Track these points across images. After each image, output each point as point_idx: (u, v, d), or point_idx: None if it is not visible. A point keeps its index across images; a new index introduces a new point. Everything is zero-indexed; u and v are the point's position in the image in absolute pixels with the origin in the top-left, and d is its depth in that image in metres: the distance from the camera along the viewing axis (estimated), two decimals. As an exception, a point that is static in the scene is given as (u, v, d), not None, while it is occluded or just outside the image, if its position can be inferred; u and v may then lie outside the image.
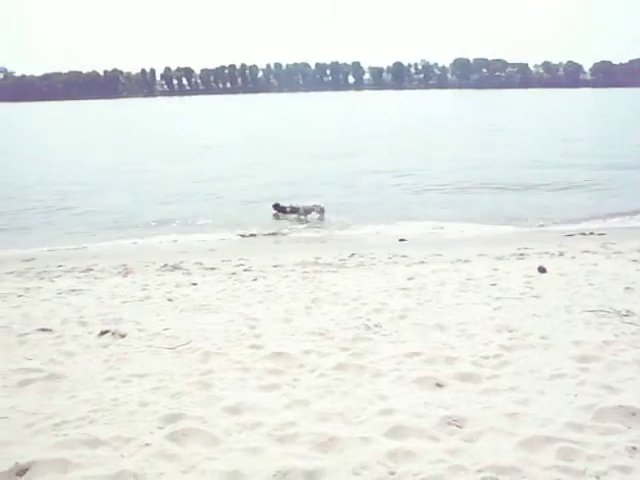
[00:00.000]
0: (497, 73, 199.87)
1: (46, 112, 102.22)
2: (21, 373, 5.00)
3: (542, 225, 14.71)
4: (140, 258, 11.52)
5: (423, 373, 4.72)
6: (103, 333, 6.07)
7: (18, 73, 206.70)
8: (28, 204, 18.60)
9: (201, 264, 10.41)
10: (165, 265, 10.43)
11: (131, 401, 4.31)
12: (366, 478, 3.20)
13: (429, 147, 32.85)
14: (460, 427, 3.76)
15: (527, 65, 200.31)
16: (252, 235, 14.25)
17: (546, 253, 10.68)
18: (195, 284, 8.63)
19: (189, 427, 3.82)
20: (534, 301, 7.00)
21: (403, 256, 10.74)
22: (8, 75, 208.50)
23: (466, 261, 10.03)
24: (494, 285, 7.94)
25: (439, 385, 4.50)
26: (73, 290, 8.41)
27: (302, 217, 16.14)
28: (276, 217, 16.34)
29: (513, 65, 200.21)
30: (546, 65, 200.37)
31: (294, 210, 16.34)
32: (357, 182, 21.53)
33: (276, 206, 16.49)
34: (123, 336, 6.00)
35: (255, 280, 8.77)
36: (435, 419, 3.87)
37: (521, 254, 10.69)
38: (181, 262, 10.60)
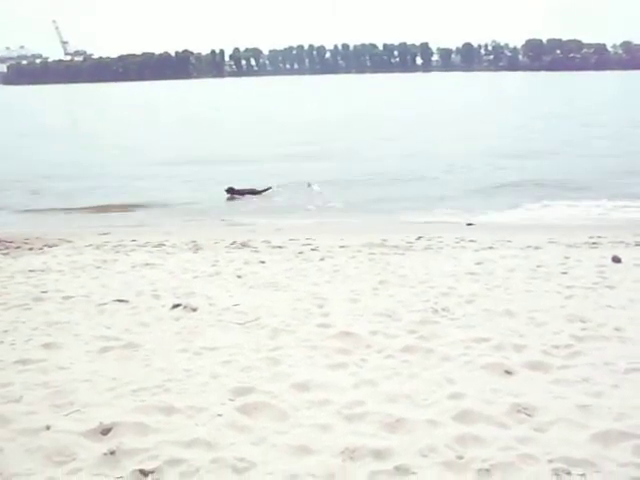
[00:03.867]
0: (571, 54, 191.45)
1: (133, 92, 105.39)
2: (101, 340, 5.26)
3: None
4: (209, 235, 11.81)
5: (492, 359, 4.67)
6: (176, 306, 6.29)
7: (95, 55, 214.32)
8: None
9: (269, 242, 10.56)
10: (234, 242, 10.65)
11: (203, 372, 4.46)
12: (433, 460, 3.22)
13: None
14: (530, 415, 3.71)
15: (605, 46, 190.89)
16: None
17: (621, 242, 10.25)
18: (263, 262, 8.79)
19: (259, 401, 3.93)
20: (608, 292, 6.76)
21: (471, 241, 10.56)
22: (87, 57, 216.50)
23: (536, 248, 9.76)
24: (565, 273, 7.71)
25: (508, 372, 4.44)
26: (147, 264, 8.72)
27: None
28: (230, 200, 16.92)
29: (589, 46, 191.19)
30: (625, 45, 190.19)
31: (252, 192, 17.01)
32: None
33: (230, 190, 17.02)
34: (194, 310, 6.20)
35: (322, 260, 8.84)
36: (504, 406, 3.83)
37: (594, 242, 10.31)
38: (249, 240, 10.79)
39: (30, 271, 8.39)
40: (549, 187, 17.40)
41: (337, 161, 22.75)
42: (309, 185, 18.50)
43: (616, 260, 8.32)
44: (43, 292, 7.10)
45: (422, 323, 5.63)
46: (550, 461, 3.17)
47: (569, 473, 3.06)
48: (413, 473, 3.08)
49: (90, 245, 10.84)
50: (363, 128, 34.27)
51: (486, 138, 28.32)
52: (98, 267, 8.62)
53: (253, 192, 17.19)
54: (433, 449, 3.31)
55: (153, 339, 5.30)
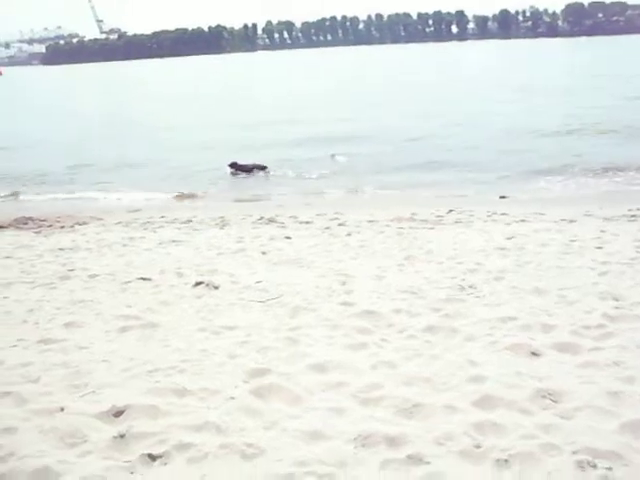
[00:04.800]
0: (615, 17, 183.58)
1: (166, 68, 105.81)
2: (122, 320, 5.25)
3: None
4: (237, 211, 11.76)
5: (517, 340, 4.48)
6: (198, 284, 6.25)
7: (130, 33, 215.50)
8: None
9: (296, 218, 10.44)
10: (261, 218, 10.56)
11: (219, 353, 4.40)
12: (449, 449, 3.08)
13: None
14: (555, 402, 3.53)
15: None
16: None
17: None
18: (289, 237, 8.68)
19: (274, 383, 3.85)
20: (646, 267, 6.45)
21: (503, 214, 10.24)
22: (122, 35, 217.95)
23: (571, 221, 9.41)
24: (600, 248, 7.39)
25: (534, 354, 4.25)
26: (173, 241, 8.70)
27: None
28: (233, 175, 16.48)
29: (635, 7, 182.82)
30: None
31: (258, 167, 16.49)
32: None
33: (233, 165, 16.51)
34: (216, 287, 6.15)
35: (349, 235, 8.69)
36: (528, 391, 3.66)
37: (633, 215, 9.87)
38: (277, 215, 10.69)
39: (59, 249, 8.47)
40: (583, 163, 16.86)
41: (363, 134, 22.34)
42: (333, 156, 18.24)
43: (656, 233, 7.96)
44: (70, 270, 7.15)
45: (447, 301, 5.46)
46: (574, 452, 3.00)
47: (594, 466, 2.88)
48: (427, 463, 2.96)
49: (119, 222, 10.89)
50: (390, 99, 33.60)
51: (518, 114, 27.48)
52: (125, 245, 8.64)
53: (257, 167, 16.68)
54: (450, 437, 3.17)
55: (173, 318, 5.27)
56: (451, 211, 10.65)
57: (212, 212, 11.57)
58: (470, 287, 5.86)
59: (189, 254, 7.82)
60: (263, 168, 16.71)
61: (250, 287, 6.13)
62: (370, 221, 9.81)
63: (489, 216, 10.11)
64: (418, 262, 6.94)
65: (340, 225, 9.53)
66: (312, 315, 5.22)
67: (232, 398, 3.67)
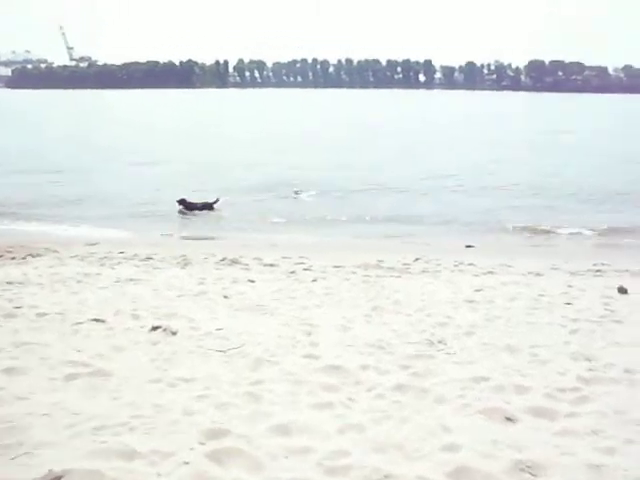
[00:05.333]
0: (573, 76, 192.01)
1: (134, 100, 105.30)
2: (69, 366, 4.84)
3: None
4: (199, 249, 11.44)
5: (491, 403, 4.26)
6: (155, 329, 5.88)
7: (100, 62, 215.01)
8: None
9: (260, 260, 10.19)
10: (224, 259, 10.27)
11: (174, 408, 4.05)
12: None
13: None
14: (534, 475, 3.30)
15: (606, 69, 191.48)
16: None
17: (626, 271, 9.89)
18: (253, 281, 8.40)
19: (232, 446, 3.52)
20: (615, 327, 6.35)
21: (470, 264, 10.20)
22: (92, 63, 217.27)
23: (538, 274, 9.40)
24: (569, 304, 7.32)
25: (509, 419, 4.03)
26: (131, 280, 8.32)
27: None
28: (181, 213, 16.17)
29: (591, 68, 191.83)
30: (627, 69, 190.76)
31: (208, 206, 16.22)
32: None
33: (182, 202, 16.14)
34: (174, 333, 5.79)
35: (315, 281, 8.46)
36: (505, 462, 3.42)
37: (598, 270, 9.95)
38: (240, 256, 10.42)
39: (7, 283, 7.99)
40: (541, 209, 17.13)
41: (328, 171, 22.37)
42: (296, 193, 18.01)
43: (622, 291, 7.95)
44: (17, 307, 6.69)
45: (417, 357, 5.23)
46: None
47: None
48: None
49: (75, 256, 10.46)
50: (359, 140, 33.95)
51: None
52: (79, 281, 8.22)
53: (206, 206, 16.31)
54: (424, 517, 2.89)
55: (126, 366, 4.89)
56: (418, 259, 10.56)
57: (174, 250, 11.23)
58: (440, 342, 5.65)
59: (147, 294, 7.45)
60: (212, 205, 16.27)
61: (210, 334, 5.80)
62: (336, 267, 9.61)
63: (456, 266, 10.04)
64: (386, 313, 6.73)
65: (305, 270, 9.30)
66: (275, 368, 4.92)
67: (186, 463, 3.32)
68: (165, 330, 5.85)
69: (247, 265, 9.66)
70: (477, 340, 5.77)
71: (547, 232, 14.71)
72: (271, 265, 9.68)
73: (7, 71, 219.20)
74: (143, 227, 14.43)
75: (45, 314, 6.41)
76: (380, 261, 10.23)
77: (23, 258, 10.30)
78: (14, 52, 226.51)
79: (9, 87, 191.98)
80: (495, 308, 7.02)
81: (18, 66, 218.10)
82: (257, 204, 17.16)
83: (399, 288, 8.05)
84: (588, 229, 14.63)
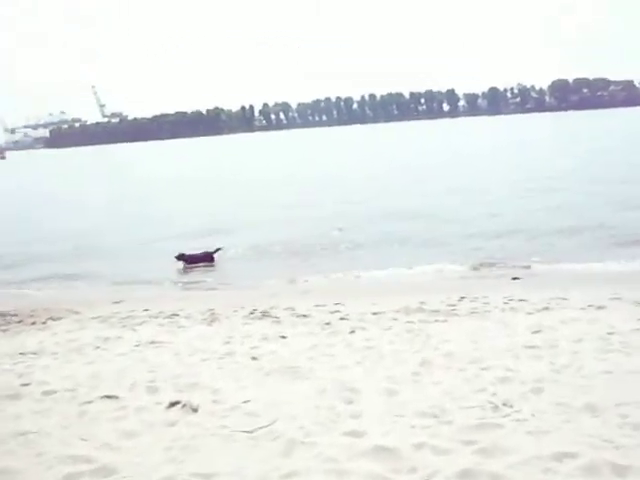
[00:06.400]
0: (599, 93, 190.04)
1: (165, 150, 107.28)
2: (69, 463, 4.14)
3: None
4: (230, 301, 10.75)
5: (586, 493, 3.38)
6: (173, 405, 5.16)
7: (131, 116, 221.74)
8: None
9: (293, 310, 9.41)
10: (254, 311, 9.52)
11: (189, 521, 3.27)
12: None
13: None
14: None
15: (632, 82, 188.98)
16: None
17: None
18: (284, 337, 7.62)
19: None
20: None
21: (521, 300, 9.23)
22: (123, 118, 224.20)
23: (600, 307, 8.39)
24: (646, 344, 6.35)
25: (614, 517, 3.14)
26: (152, 342, 7.63)
27: None
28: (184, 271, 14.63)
29: (617, 83, 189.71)
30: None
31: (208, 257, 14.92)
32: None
33: (180, 256, 14.59)
34: (195, 410, 5.05)
35: (353, 332, 7.63)
36: None
37: (668, 298, 8.89)
38: (271, 307, 9.66)
39: (21, 354, 7.39)
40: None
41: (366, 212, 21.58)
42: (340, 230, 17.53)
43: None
44: (24, 385, 6.04)
45: (480, 428, 4.37)
46: None
47: None
48: None
49: (97, 317, 9.83)
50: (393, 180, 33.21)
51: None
52: (97, 347, 7.57)
53: (207, 257, 15.01)
54: None
55: (134, 460, 4.15)
56: (463, 298, 9.64)
57: (201, 304, 10.55)
58: (505, 405, 4.78)
59: (169, 360, 6.74)
60: (212, 256, 15.03)
61: (236, 408, 5.04)
62: (375, 313, 8.77)
63: (506, 303, 9.08)
64: (436, 369, 5.86)
65: (342, 319, 8.48)
66: (311, 453, 4.12)
67: None
68: (184, 406, 5.11)
69: (278, 318, 8.89)
70: (549, 399, 4.87)
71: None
72: (304, 316, 8.89)
73: (45, 132, 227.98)
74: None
75: (53, 392, 5.75)
76: (422, 303, 9.34)
77: (43, 322, 9.73)
78: (51, 114, 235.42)
79: (48, 147, 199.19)
80: (561, 354, 6.09)
81: (55, 127, 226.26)
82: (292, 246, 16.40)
83: (447, 336, 7.17)
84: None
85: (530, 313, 8.30)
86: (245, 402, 5.16)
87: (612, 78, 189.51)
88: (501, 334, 7.11)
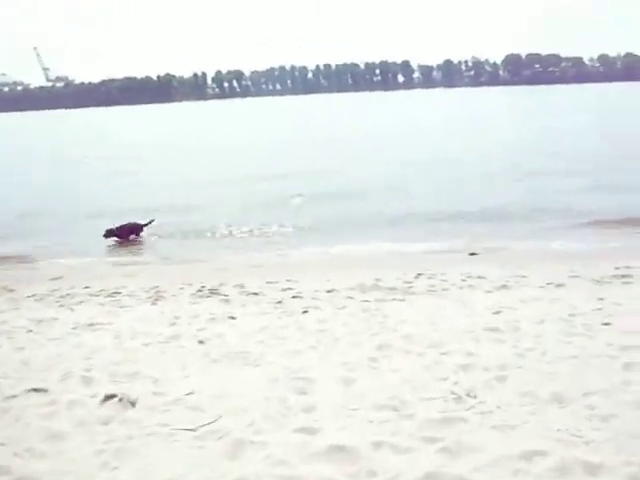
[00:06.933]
0: (551, 68, 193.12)
1: (123, 116, 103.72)
2: (-17, 475, 3.62)
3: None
4: (176, 277, 10.20)
5: (559, 498, 3.09)
6: (108, 398, 4.67)
7: (77, 81, 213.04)
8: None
9: (242, 287, 8.96)
10: (202, 288, 9.03)
11: None
12: None
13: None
14: None
15: (582, 59, 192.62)
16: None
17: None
18: (234, 317, 7.19)
19: None
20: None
21: (479, 277, 9.03)
22: (69, 83, 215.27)
23: (559, 285, 8.25)
24: (608, 325, 6.17)
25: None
26: (90, 324, 7.07)
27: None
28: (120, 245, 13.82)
29: (567, 59, 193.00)
30: (603, 58, 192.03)
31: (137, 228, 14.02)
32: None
33: (109, 232, 13.65)
34: (133, 404, 4.59)
35: (306, 312, 7.25)
36: None
37: (624, 275, 8.80)
38: (220, 284, 9.18)
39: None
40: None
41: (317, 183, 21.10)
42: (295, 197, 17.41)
43: None
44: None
45: (444, 422, 4.05)
46: None
47: None
48: None
49: (33, 295, 9.16)
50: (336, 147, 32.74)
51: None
52: (29, 331, 6.96)
53: (137, 227, 14.12)
54: None
55: (61, 467, 3.67)
56: (420, 275, 9.37)
57: (146, 280, 9.97)
58: (468, 395, 4.48)
59: (107, 345, 6.21)
60: (141, 227, 14.09)
61: (179, 401, 4.59)
62: (329, 291, 8.41)
63: (464, 281, 8.86)
64: (394, 353, 5.53)
65: (294, 297, 8.08)
66: (261, 454, 3.72)
67: None
68: (121, 400, 4.63)
69: (227, 296, 8.42)
70: (513, 388, 4.60)
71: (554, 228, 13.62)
72: (255, 294, 8.45)
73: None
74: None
75: (-27, 384, 5.17)
76: (378, 280, 9.03)
77: (-27, 302, 9.02)
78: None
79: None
80: (523, 337, 5.85)
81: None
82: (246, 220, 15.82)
83: (405, 316, 6.86)
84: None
85: (489, 291, 8.08)
86: (189, 394, 4.72)
87: (563, 55, 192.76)
88: (460, 314, 6.85)
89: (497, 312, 6.85)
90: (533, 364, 5.10)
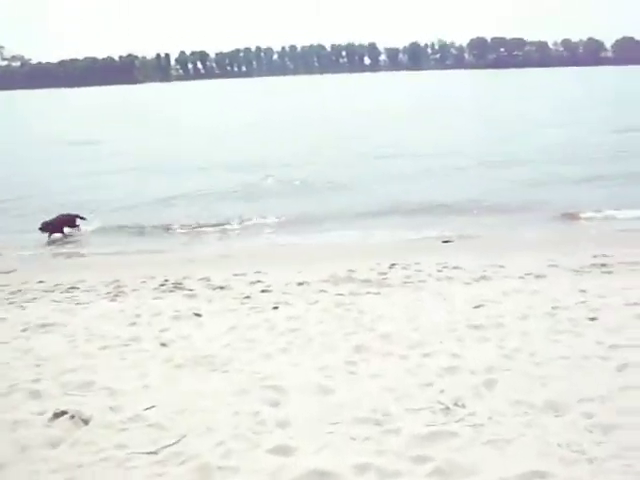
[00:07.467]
0: (515, 52, 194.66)
1: (83, 98, 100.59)
2: None
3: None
4: (138, 269, 9.65)
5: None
6: (58, 415, 4.16)
7: (34, 60, 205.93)
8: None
9: (208, 280, 8.48)
10: (165, 282, 8.53)
11: None
12: None
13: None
14: None
15: (546, 43, 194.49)
16: None
17: (635, 263, 8.59)
18: (199, 315, 6.71)
19: None
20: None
21: (456, 267, 8.72)
22: (25, 62, 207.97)
23: (539, 276, 7.99)
24: (594, 320, 5.90)
25: None
26: (43, 325, 6.50)
27: None
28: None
29: (531, 44, 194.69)
30: (566, 43, 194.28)
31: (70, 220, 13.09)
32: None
33: (45, 226, 12.64)
34: (86, 422, 4.09)
35: (276, 309, 6.82)
36: None
37: (603, 264, 8.61)
38: (184, 278, 8.68)
39: None
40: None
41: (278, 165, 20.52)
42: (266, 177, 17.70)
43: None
44: None
45: (432, 438, 3.68)
46: None
47: None
48: None
49: (-19, 293, 8.52)
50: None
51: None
52: (-26, 334, 6.37)
53: (69, 220, 13.17)
54: None
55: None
56: (394, 265, 9.03)
57: (106, 273, 9.40)
58: (456, 405, 4.12)
59: (60, 350, 5.66)
60: (74, 219, 13.14)
61: (138, 418, 4.11)
62: (300, 283, 8.00)
63: (440, 271, 8.55)
64: (373, 356, 5.14)
65: (264, 291, 7.65)
66: (230, 482, 3.30)
67: None
68: (73, 417, 4.13)
69: (192, 290, 7.93)
70: (504, 395, 4.25)
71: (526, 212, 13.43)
72: (221, 288, 7.98)
73: None
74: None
75: None
76: (351, 271, 8.65)
77: None
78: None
79: None
80: (509, 335, 5.52)
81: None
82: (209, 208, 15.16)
83: (382, 311, 6.48)
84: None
85: (468, 283, 7.78)
86: (149, 408, 4.24)
87: (528, 39, 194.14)
88: (440, 309, 6.50)
89: (478, 306, 6.53)
90: (522, 366, 4.76)
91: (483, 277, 8.04)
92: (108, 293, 8.14)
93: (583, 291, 7.00)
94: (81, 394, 4.55)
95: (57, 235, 12.90)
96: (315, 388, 4.49)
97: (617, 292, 6.88)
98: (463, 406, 4.09)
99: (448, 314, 6.29)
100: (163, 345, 5.71)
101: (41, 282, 9.03)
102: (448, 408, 4.06)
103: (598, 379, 4.43)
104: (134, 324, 6.48)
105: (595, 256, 9.09)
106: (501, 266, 8.62)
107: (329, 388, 4.49)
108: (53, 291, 8.45)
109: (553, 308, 6.30)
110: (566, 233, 11.87)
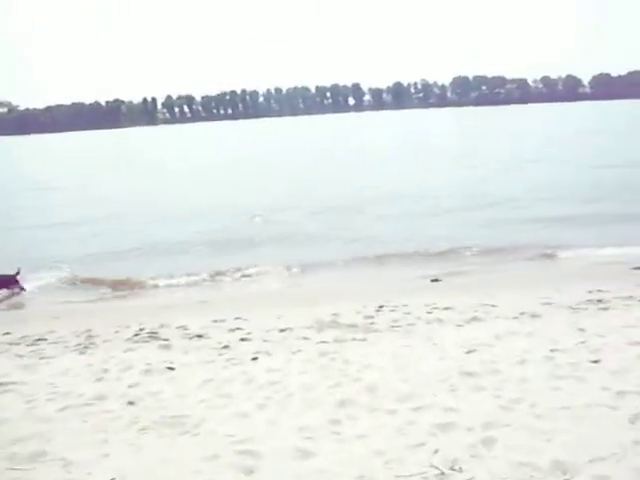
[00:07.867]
0: (496, 90, 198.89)
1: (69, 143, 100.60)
2: None
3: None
4: (114, 318, 9.14)
5: None
6: (1, 495, 3.66)
7: (22, 107, 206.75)
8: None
9: (186, 329, 7.98)
10: (140, 331, 8.02)
11: None
12: None
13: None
14: None
15: (526, 81, 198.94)
16: None
17: (630, 298, 8.23)
18: (172, 368, 6.21)
19: None
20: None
21: (446, 308, 8.30)
22: (12, 109, 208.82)
23: (534, 316, 7.57)
24: (596, 363, 5.50)
25: None
26: (1, 384, 5.98)
27: None
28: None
29: (512, 81, 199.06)
30: (545, 80, 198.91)
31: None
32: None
33: None
34: (32, 502, 3.58)
35: (255, 359, 6.34)
36: None
37: (599, 300, 8.23)
38: (161, 326, 8.18)
39: None
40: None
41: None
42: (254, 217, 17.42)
43: None
44: None
45: (426, 512, 3.21)
46: None
47: None
48: None
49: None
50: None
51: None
52: None
53: (10, 280, 11.79)
54: None
55: None
56: (381, 307, 8.59)
57: (79, 322, 8.87)
58: (453, 469, 3.66)
59: (14, 416, 5.12)
60: (16, 278, 11.76)
61: (92, 497, 3.61)
62: (282, 330, 7.53)
63: (430, 313, 8.11)
64: (359, 412, 4.68)
65: (243, 340, 7.17)
66: None
67: None
68: (18, 496, 3.62)
69: (168, 340, 7.43)
70: (505, 455, 3.81)
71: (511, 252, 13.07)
72: (199, 337, 7.48)
73: None
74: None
75: None
76: (335, 315, 8.19)
77: None
78: None
79: None
80: (505, 383, 5.09)
81: None
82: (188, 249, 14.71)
83: (368, 360, 6.02)
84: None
85: (459, 325, 7.36)
86: (107, 484, 3.74)
87: (508, 77, 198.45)
88: (431, 356, 6.06)
89: (471, 351, 6.10)
90: (522, 420, 4.32)
91: (474, 318, 7.61)
92: (77, 345, 7.61)
93: (582, 330, 6.61)
94: (30, 467, 4.04)
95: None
96: (294, 452, 4.02)
97: (617, 330, 6.49)
98: (460, 470, 3.64)
99: (439, 361, 5.85)
100: (130, 403, 5.21)
101: (7, 334, 8.49)
102: (443, 473, 3.60)
103: (608, 433, 4.00)
104: (101, 379, 5.98)
105: (590, 291, 8.72)
106: (493, 305, 8.21)
107: (309, 452, 4.02)
108: (19, 344, 7.89)
109: (551, 351, 5.90)
110: (553, 270, 11.53)
